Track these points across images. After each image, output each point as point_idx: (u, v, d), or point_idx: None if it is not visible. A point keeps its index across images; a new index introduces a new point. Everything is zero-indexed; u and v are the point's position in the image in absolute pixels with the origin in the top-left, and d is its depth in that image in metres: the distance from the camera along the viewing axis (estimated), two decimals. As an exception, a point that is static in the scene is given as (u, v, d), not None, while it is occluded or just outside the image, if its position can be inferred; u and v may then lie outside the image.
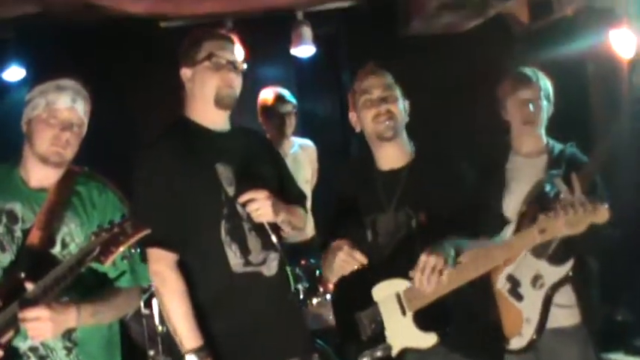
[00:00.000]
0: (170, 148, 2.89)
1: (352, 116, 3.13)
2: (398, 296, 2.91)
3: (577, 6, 5.33)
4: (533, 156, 3.51)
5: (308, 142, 5.22)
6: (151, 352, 4.67)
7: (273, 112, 4.94)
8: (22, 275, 2.58)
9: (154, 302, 4.48)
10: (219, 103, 2.93)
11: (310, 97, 6.48)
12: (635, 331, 4.81)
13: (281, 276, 2.96)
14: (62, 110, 2.76)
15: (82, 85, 2.83)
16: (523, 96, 3.47)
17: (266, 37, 5.79)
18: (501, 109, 3.58)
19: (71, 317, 2.60)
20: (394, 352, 2.92)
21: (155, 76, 5.23)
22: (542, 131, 3.53)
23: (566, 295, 3.34)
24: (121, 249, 2.55)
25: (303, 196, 3.23)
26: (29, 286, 2.55)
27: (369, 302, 2.97)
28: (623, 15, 4.94)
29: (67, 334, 2.69)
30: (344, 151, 6.33)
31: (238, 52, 3.04)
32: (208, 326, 2.83)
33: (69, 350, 2.72)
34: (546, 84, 3.53)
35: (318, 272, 4.59)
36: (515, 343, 3.34)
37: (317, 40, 5.98)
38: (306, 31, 5.93)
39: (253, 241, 2.90)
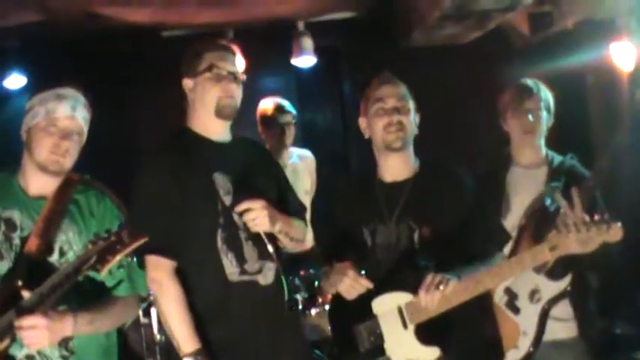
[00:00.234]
0: (170, 156, 2.92)
1: (362, 122, 3.13)
2: (399, 309, 2.91)
3: (577, 18, 5.34)
4: (532, 167, 3.50)
5: (307, 153, 5.21)
6: (149, 362, 4.66)
7: (272, 122, 4.94)
8: (20, 283, 2.58)
9: (153, 311, 4.47)
10: (219, 113, 2.95)
11: (311, 108, 6.49)
12: (635, 344, 4.79)
13: (277, 285, 2.97)
14: (62, 119, 2.76)
15: (82, 93, 2.84)
16: (523, 106, 3.47)
17: (267, 47, 5.79)
18: (501, 120, 3.58)
19: (67, 325, 2.60)
20: (393, 365, 2.91)
21: (156, 85, 5.25)
22: (542, 142, 3.53)
23: (563, 308, 3.33)
24: (118, 258, 2.55)
25: (303, 209, 3.23)
26: (26, 294, 2.55)
27: (368, 314, 2.96)
28: (623, 28, 4.95)
29: (64, 343, 2.69)
30: (344, 162, 6.33)
31: (239, 63, 3.07)
32: (205, 334, 2.84)
33: (65, 359, 2.71)
34: (547, 95, 3.53)
35: (317, 282, 4.57)
36: (512, 355, 3.33)
37: (318, 51, 5.99)
38: (307, 42, 5.93)
39: (249, 251, 2.91)
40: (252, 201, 2.84)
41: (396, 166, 3.08)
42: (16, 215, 2.75)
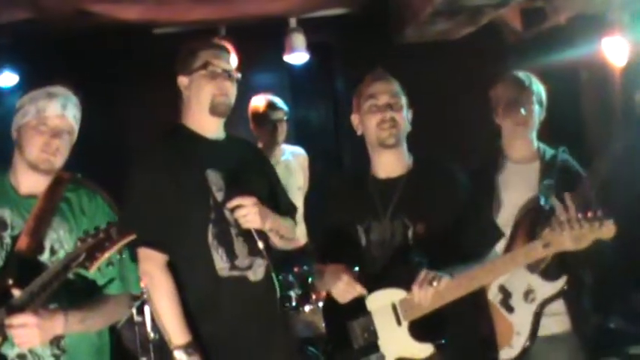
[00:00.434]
0: (164, 152, 2.94)
1: (355, 118, 3.13)
2: (393, 306, 2.90)
3: (570, 14, 5.34)
4: (524, 162, 3.48)
5: (299, 150, 5.21)
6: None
7: (264, 119, 4.93)
8: (10, 282, 2.58)
9: (147, 310, 4.46)
10: (214, 110, 2.97)
11: (303, 105, 6.49)
12: (629, 339, 4.80)
13: (267, 282, 2.99)
14: (52, 117, 2.76)
15: (72, 91, 2.84)
16: (515, 98, 3.45)
17: (259, 44, 5.78)
18: (493, 113, 3.56)
19: (58, 324, 2.60)
20: (387, 361, 2.91)
21: (147, 82, 5.24)
22: (534, 135, 3.51)
23: (556, 303, 3.33)
24: (107, 255, 2.55)
25: (294, 208, 3.24)
26: (16, 293, 2.55)
27: (362, 311, 2.95)
28: (616, 23, 4.96)
29: (56, 342, 2.68)
30: (337, 159, 6.33)
31: (233, 61, 3.09)
32: (195, 329, 2.85)
33: (57, 358, 2.71)
34: (539, 88, 3.52)
35: (310, 279, 4.57)
36: (505, 354, 3.32)
37: (310, 48, 5.98)
38: (300, 39, 5.92)
39: (240, 247, 2.93)
40: (243, 198, 2.86)
41: (389, 163, 3.08)
42: (6, 214, 2.74)
